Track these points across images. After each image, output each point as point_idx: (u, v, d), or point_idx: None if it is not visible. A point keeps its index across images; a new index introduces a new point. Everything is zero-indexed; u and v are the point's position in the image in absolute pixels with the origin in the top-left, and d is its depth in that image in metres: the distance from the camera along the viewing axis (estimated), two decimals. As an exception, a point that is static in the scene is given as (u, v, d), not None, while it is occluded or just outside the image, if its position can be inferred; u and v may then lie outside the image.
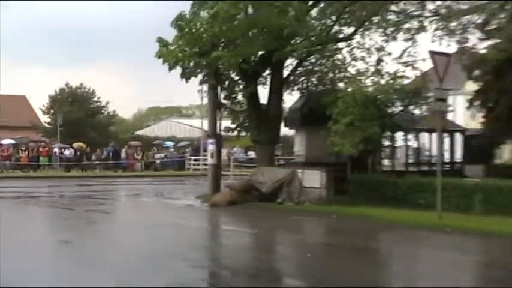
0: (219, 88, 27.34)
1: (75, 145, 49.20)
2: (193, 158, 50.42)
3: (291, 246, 16.22)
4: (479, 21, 26.66)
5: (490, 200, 19.62)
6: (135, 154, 48.73)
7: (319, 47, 25.07)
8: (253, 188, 24.27)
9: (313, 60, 27.40)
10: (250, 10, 23.96)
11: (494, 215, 18.68)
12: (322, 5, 26.23)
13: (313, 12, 26.34)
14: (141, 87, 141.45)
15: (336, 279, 11.02)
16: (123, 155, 48.29)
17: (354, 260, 13.30)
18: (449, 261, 13.24)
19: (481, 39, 27.99)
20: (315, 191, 23.60)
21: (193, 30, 23.64)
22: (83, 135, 52.94)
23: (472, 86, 35.21)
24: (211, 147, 27.59)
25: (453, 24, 25.64)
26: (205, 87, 30.73)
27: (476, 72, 31.85)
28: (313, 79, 27.96)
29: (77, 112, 57.32)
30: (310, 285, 10.81)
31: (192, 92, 70.48)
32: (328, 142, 22.89)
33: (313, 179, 23.71)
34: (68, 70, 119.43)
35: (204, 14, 23.91)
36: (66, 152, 48.32)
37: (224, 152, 37.30)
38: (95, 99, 62.20)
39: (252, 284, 10.85)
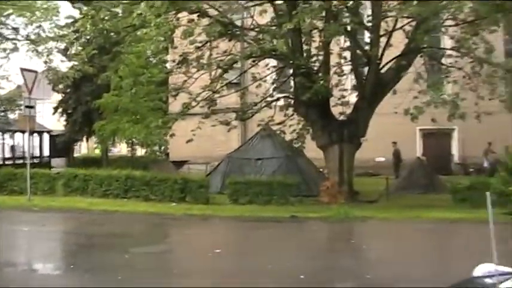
0: None
1: None
2: None
3: None
4: (62, 47, 28.75)
5: (69, 185, 20.34)
6: None
7: None
8: None
9: None
10: None
11: (73, 195, 19.83)
12: None
13: None
14: None
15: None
16: None
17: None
18: (37, 233, 13.76)
19: (63, 61, 30.18)
20: None
21: None
22: None
23: (57, 97, 37.43)
24: None
25: (41, 47, 26.72)
26: None
27: (60, 86, 34.06)
28: None
29: None
30: None
31: None
32: None
33: None
34: None
35: None
36: None
37: None
38: None
39: None
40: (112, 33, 23.88)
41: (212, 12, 18.10)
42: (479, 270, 2.39)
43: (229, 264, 10.12)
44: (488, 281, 2.30)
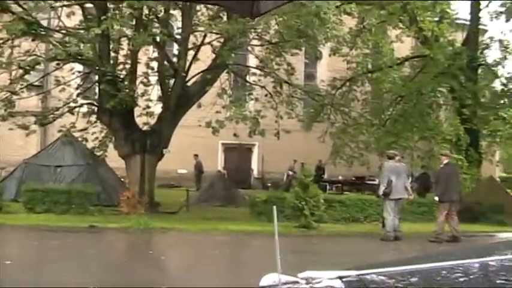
0: None
1: None
2: None
3: None
4: None
5: None
6: None
7: None
8: None
9: None
10: None
11: None
12: None
13: None
14: None
15: None
16: None
17: None
18: None
19: None
20: None
21: None
22: None
23: None
24: None
25: None
26: None
27: None
28: None
29: None
30: None
31: None
32: None
33: None
34: None
35: None
36: None
37: None
38: None
39: None
40: None
41: (16, 8, 17.26)
42: (266, 280, 2.60)
43: (19, 276, 9.69)
44: (273, 290, 2.52)
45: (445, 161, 15.45)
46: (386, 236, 14.54)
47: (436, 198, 15.31)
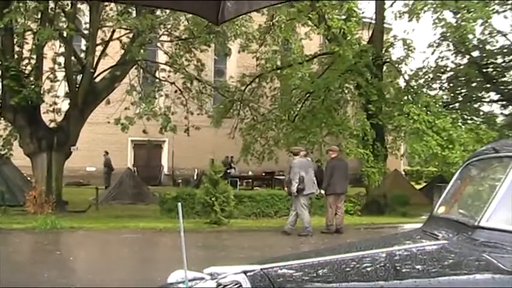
0: None
1: None
2: None
3: None
4: None
5: None
6: None
7: None
8: None
9: None
10: None
11: None
12: None
13: None
14: None
15: None
16: None
17: None
18: None
19: None
20: None
21: None
22: None
23: None
24: None
25: None
26: None
27: None
28: None
29: None
30: None
31: None
32: None
33: None
34: None
35: None
36: None
37: None
38: None
39: None
40: None
41: None
42: (173, 276, 2.69)
43: None
44: (180, 286, 2.61)
45: (333, 156, 15.97)
46: (306, 231, 14.76)
47: (322, 192, 15.83)
